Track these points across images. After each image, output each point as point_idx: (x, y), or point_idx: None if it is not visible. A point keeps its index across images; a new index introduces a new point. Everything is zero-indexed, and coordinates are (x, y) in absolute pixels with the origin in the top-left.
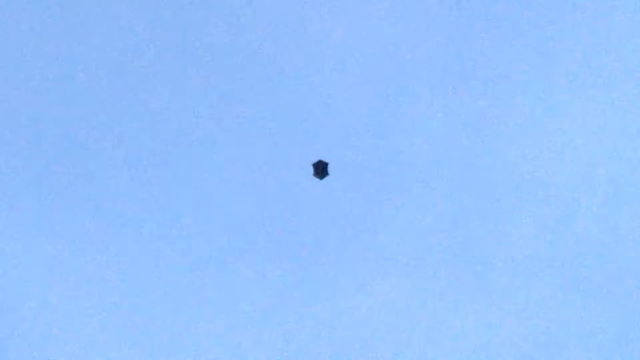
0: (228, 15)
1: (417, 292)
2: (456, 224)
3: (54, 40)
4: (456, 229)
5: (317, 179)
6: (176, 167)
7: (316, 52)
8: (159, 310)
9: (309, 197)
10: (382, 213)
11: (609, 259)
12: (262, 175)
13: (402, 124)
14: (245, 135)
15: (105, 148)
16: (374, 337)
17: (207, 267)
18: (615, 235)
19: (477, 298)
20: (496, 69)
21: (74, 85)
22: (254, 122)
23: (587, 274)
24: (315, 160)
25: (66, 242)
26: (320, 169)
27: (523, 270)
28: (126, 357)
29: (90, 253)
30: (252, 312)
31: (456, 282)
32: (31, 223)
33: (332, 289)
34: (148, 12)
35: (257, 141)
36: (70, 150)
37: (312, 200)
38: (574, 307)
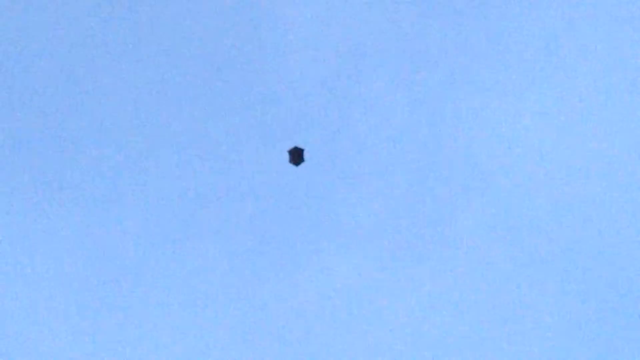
0: (200, 9)
1: (375, 269)
2: (413, 206)
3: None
4: (413, 210)
5: (292, 166)
6: (148, 150)
7: (287, 43)
8: (122, 288)
9: (277, 182)
10: (343, 196)
11: (563, 237)
12: (227, 155)
13: (364, 111)
14: (219, 121)
15: (88, 143)
16: (334, 312)
17: (170, 246)
18: (568, 211)
19: (434, 271)
20: (460, 60)
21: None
22: (230, 111)
23: (538, 251)
24: (290, 147)
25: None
26: (296, 156)
27: (476, 248)
28: (91, 338)
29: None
30: (212, 290)
31: (413, 261)
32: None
33: (296, 266)
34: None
35: (231, 125)
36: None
37: (279, 184)
38: (526, 285)
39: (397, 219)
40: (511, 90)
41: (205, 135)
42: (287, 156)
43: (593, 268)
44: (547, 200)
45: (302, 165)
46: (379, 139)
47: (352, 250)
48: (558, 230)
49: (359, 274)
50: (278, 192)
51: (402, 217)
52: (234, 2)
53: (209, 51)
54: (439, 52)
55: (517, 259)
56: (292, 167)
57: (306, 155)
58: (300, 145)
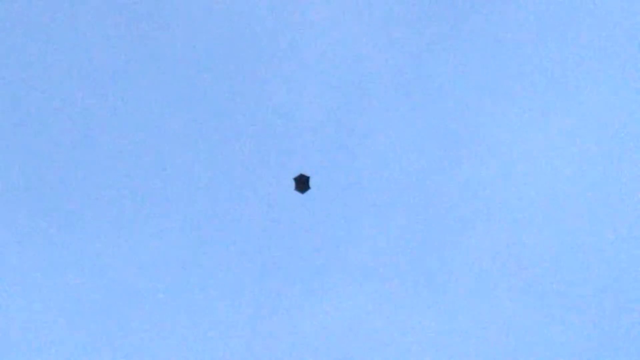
0: (206, 28)
1: (383, 300)
2: (419, 238)
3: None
4: (419, 242)
5: (298, 193)
6: (164, 178)
7: (295, 70)
8: (136, 312)
9: (284, 211)
10: (351, 228)
11: (562, 272)
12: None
13: (370, 139)
14: (227, 147)
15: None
16: (343, 340)
17: (173, 277)
18: (568, 247)
19: (437, 306)
20: (471, 96)
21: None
22: (238, 136)
23: (540, 285)
24: (296, 174)
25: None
26: (302, 183)
27: (479, 280)
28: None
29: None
30: (215, 324)
31: (418, 292)
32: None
33: (306, 296)
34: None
35: (240, 150)
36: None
37: (287, 213)
38: (527, 316)
39: (402, 248)
40: (519, 123)
41: (211, 160)
42: (292, 183)
43: (600, 302)
44: (553, 238)
45: (308, 192)
46: (386, 165)
47: (357, 281)
48: (563, 268)
49: (362, 307)
50: (283, 219)
51: (407, 248)
52: (244, 31)
53: (217, 80)
54: (448, 87)
55: (521, 293)
56: (297, 194)
57: (312, 182)
58: (306, 173)
